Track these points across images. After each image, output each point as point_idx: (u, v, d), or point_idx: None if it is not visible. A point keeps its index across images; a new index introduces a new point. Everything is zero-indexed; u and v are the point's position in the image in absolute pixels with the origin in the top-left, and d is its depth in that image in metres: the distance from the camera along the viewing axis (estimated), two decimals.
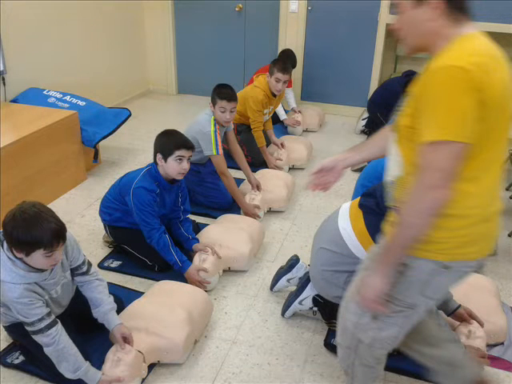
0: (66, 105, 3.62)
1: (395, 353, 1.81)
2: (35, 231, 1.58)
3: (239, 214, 3.03)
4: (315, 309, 2.19)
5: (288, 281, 2.36)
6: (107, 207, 2.58)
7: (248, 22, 5.22)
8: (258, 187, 3.16)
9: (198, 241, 2.55)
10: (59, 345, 1.70)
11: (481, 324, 2.02)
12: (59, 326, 1.73)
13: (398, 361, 1.93)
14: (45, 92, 3.73)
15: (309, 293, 2.18)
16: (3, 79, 3.58)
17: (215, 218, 2.98)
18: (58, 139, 3.27)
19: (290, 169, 3.87)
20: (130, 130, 4.48)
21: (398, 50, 5.00)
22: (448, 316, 2.02)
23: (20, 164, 2.96)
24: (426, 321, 1.66)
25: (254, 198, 3.07)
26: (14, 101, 3.65)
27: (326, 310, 2.16)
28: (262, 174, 3.36)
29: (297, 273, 2.33)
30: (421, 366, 1.75)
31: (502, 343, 2.17)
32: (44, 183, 3.19)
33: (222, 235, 2.62)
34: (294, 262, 2.35)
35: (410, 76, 4.03)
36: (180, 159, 2.37)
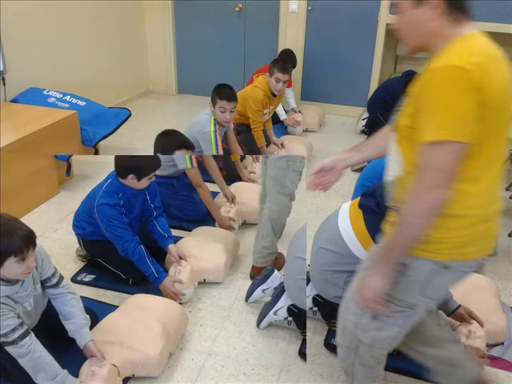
0: (66, 105, 3.62)
1: (395, 353, 1.81)
2: (5, 240, 1.54)
3: (214, 226, 2.96)
4: (315, 309, 2.18)
5: (263, 291, 2.33)
6: (80, 221, 2.52)
7: (248, 22, 5.22)
8: (232, 200, 3.07)
9: (173, 240, 2.50)
10: (35, 353, 1.66)
11: (481, 324, 2.02)
12: (32, 335, 1.69)
13: (397, 361, 1.93)
14: (45, 92, 3.73)
15: (283, 303, 2.17)
16: (3, 79, 3.58)
17: (190, 230, 2.89)
18: (58, 139, 3.27)
19: None
20: (130, 130, 4.48)
21: (398, 50, 5.00)
22: (448, 316, 2.02)
23: (20, 164, 2.96)
24: (426, 321, 1.66)
25: (228, 211, 3.01)
26: (14, 101, 3.65)
27: (326, 309, 2.16)
28: (236, 187, 3.26)
29: (272, 283, 2.30)
30: (421, 366, 1.75)
31: (502, 343, 2.17)
32: (42, 183, 3.19)
33: (197, 248, 2.57)
34: (268, 272, 2.33)
35: (409, 76, 4.03)
36: None
